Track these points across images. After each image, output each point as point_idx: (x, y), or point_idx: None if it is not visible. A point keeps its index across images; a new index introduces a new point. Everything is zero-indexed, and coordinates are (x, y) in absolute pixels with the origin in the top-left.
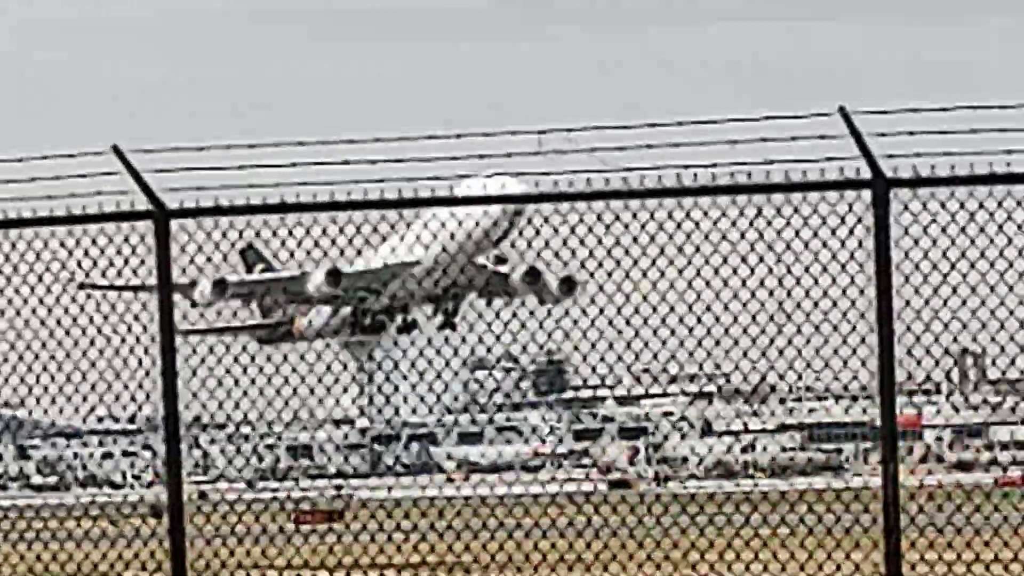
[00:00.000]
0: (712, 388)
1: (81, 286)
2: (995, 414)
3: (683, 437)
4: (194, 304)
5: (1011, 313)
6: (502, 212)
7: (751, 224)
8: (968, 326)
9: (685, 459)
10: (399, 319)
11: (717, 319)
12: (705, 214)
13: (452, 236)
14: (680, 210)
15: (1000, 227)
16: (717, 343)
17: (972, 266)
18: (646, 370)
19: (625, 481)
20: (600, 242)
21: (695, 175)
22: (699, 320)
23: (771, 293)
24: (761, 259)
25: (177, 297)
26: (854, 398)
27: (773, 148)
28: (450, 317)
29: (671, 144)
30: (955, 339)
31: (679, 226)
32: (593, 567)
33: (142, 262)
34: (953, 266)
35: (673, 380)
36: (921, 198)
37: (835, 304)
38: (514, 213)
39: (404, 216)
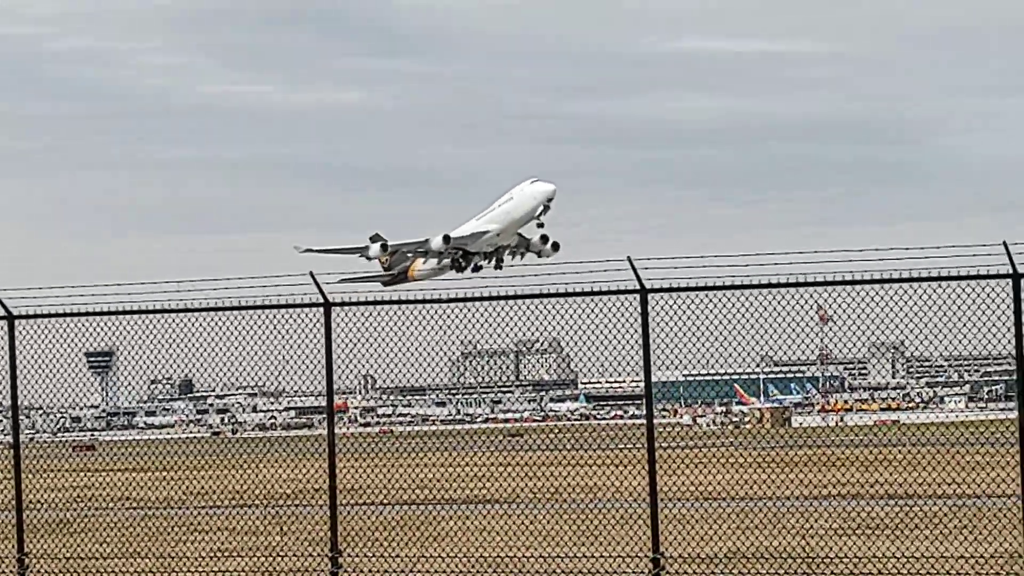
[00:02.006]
0: None
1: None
2: None
3: None
4: (369, 258)
5: None
6: (543, 198)
7: None
8: None
9: None
10: (473, 264)
11: None
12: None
13: (511, 216)
14: None
15: None
16: None
17: None
18: None
19: None
20: None
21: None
22: None
23: None
24: None
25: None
26: None
27: None
28: (500, 263)
29: None
30: None
31: None
32: None
33: None
34: None
35: None
36: None
37: None
38: (548, 199)
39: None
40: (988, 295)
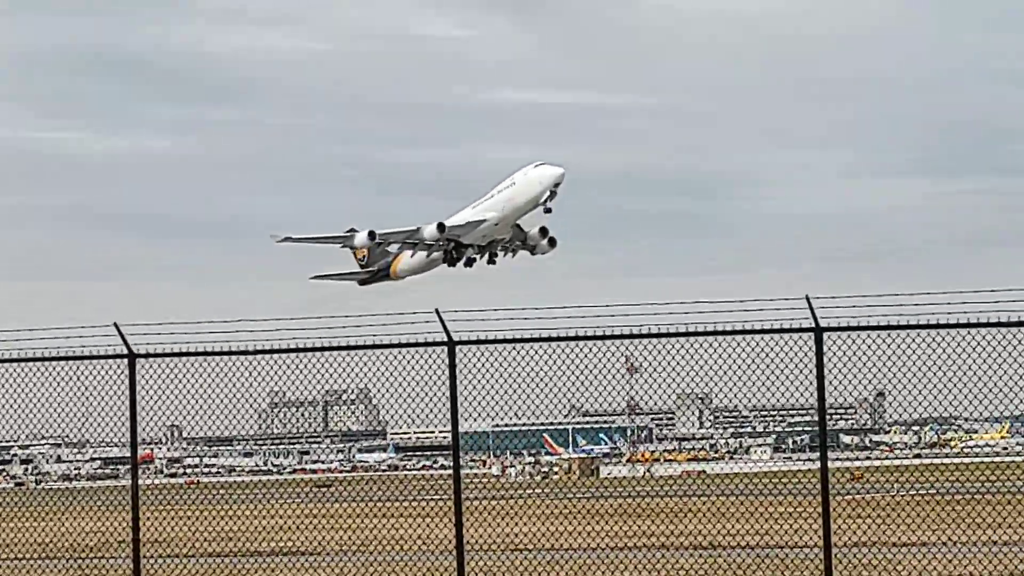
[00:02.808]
0: None
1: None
2: None
3: None
4: (354, 247)
5: None
6: (550, 183)
7: None
8: None
9: None
10: (466, 258)
11: None
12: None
13: (514, 202)
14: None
15: None
16: None
17: None
18: None
19: None
20: None
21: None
22: None
23: None
24: None
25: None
26: None
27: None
28: (493, 259)
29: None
30: None
31: None
32: None
33: None
34: None
35: None
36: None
37: None
38: (555, 184)
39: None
40: (792, 347)
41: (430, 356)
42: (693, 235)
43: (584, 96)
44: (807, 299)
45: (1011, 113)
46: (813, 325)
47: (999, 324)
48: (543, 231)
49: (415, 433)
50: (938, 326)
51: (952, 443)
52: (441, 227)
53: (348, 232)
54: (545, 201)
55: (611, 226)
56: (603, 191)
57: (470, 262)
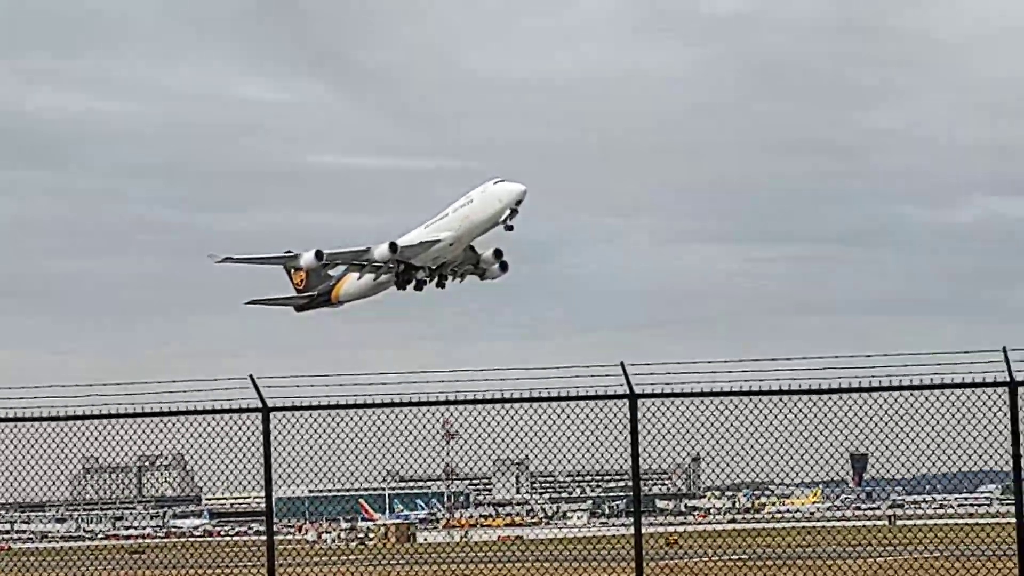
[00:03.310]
0: None
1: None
2: None
3: None
4: (298, 269)
5: None
6: (511, 200)
7: None
8: None
9: None
10: (416, 281)
11: None
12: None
13: (471, 221)
14: None
15: None
16: None
17: None
18: None
19: None
20: None
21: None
22: None
23: None
24: None
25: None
26: None
27: None
28: (443, 282)
29: None
30: None
31: None
32: None
33: None
34: None
35: None
36: None
37: None
38: (517, 201)
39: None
40: (607, 413)
41: (245, 422)
42: (508, 301)
43: (401, 160)
44: (622, 365)
45: (820, 182)
46: (628, 392)
47: (810, 391)
48: (497, 253)
49: (230, 498)
50: (751, 393)
51: (766, 508)
52: (393, 247)
53: (288, 253)
54: (505, 219)
55: (429, 291)
56: None
57: (420, 285)
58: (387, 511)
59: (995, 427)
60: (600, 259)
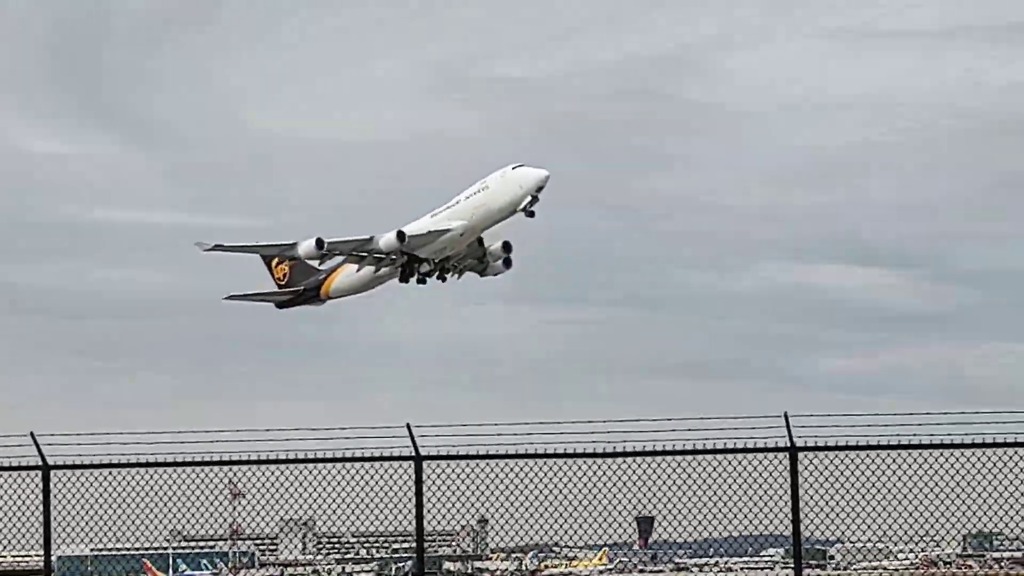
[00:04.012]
0: None
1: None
2: None
3: None
4: (296, 259)
5: None
6: (532, 186)
7: None
8: None
9: None
10: (418, 274)
11: None
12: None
13: (487, 208)
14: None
15: None
16: None
17: None
18: None
19: None
20: None
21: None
22: None
23: None
24: None
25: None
26: None
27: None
28: (444, 275)
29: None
30: None
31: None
32: None
33: None
34: None
35: None
36: None
37: None
38: (538, 188)
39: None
40: (393, 474)
41: (25, 480)
42: (301, 359)
43: (191, 217)
44: (408, 427)
45: (609, 244)
46: (413, 454)
47: (595, 455)
48: (506, 247)
49: (11, 558)
50: (536, 456)
51: (552, 569)
52: (401, 236)
53: (292, 240)
54: (526, 207)
55: (215, 348)
56: (210, 314)
57: (423, 279)
58: (171, 570)
59: (776, 491)
60: (393, 318)
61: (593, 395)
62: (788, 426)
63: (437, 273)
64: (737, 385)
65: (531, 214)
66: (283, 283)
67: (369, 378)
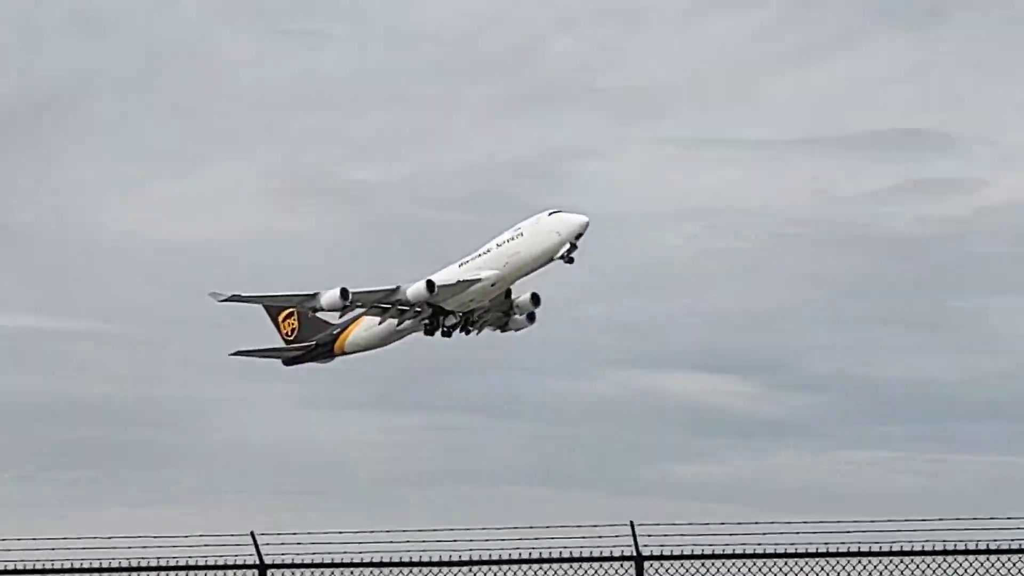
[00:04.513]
0: None
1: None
2: None
3: None
4: (321, 309)
5: None
6: (570, 235)
7: None
8: None
9: None
10: (443, 327)
11: None
12: None
13: (521, 257)
14: None
15: None
16: None
17: None
18: None
19: None
20: None
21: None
22: None
23: None
24: None
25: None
26: None
27: None
28: (468, 328)
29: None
30: None
31: None
32: None
33: None
34: None
35: None
36: None
37: None
38: (578, 235)
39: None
40: None
41: None
42: (143, 464)
43: (35, 319)
44: (252, 536)
45: (459, 352)
46: (258, 562)
47: (441, 564)
48: (535, 299)
49: None
50: (382, 564)
51: None
52: (430, 286)
53: (314, 291)
54: (564, 255)
55: (60, 455)
56: (48, 420)
57: (448, 332)
58: None
59: None
60: (236, 424)
61: (440, 503)
62: (634, 534)
63: (461, 326)
64: (584, 493)
65: (571, 260)
66: (291, 338)
67: (215, 484)
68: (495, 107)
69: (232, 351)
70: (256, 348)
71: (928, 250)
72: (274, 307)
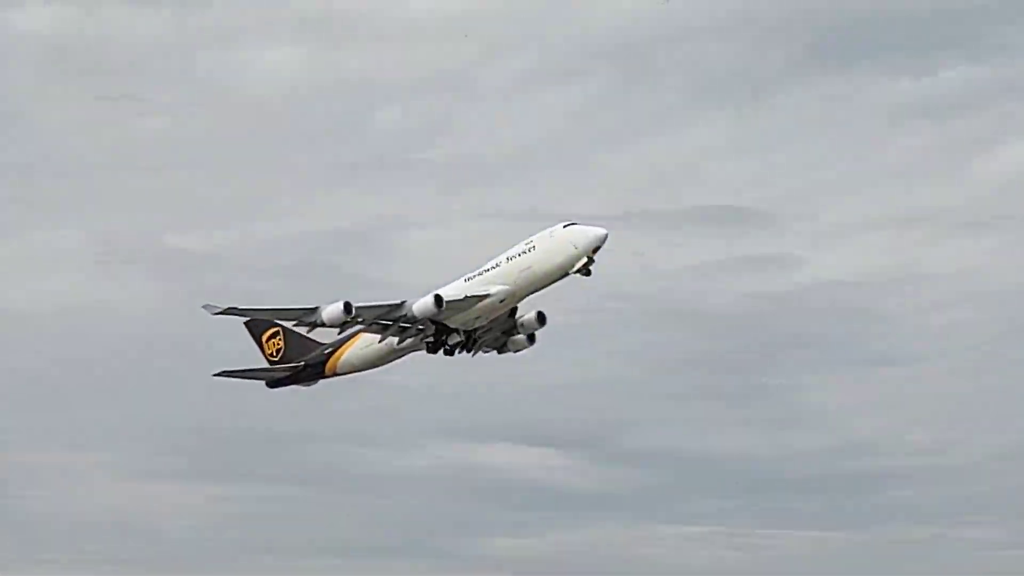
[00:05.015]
0: None
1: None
2: None
3: None
4: (322, 324)
5: None
6: (587, 248)
7: None
8: None
9: None
10: (445, 346)
11: None
12: None
13: (533, 272)
14: None
15: None
16: None
17: None
18: None
19: None
20: None
21: None
22: None
23: None
24: None
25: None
26: None
27: None
28: (471, 346)
29: None
30: None
31: None
32: None
33: None
34: None
35: None
36: None
37: None
38: (595, 248)
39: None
40: None
41: None
42: None
43: None
44: None
45: (284, 422)
46: None
47: None
48: (541, 318)
49: None
50: None
51: None
52: (439, 301)
53: (315, 304)
54: (580, 269)
55: None
56: None
57: (451, 351)
58: None
59: None
60: (56, 494)
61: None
62: None
63: (464, 345)
64: (406, 565)
65: (588, 273)
66: (276, 359)
67: (35, 552)
68: (321, 175)
69: (216, 371)
70: (241, 368)
71: (745, 326)
72: (259, 327)
